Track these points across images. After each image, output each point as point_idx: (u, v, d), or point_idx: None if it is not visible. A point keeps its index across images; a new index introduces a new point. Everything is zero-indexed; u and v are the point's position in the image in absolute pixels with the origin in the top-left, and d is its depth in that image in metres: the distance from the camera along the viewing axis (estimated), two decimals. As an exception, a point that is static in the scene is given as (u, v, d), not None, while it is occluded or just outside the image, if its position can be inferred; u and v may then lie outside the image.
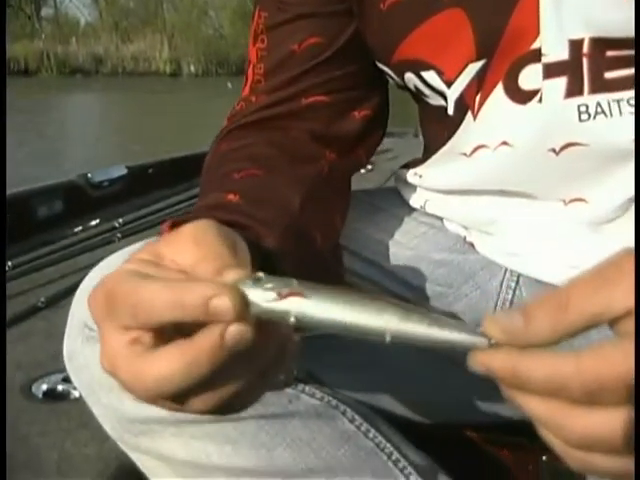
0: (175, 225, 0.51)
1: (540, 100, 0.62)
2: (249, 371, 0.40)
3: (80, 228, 1.45)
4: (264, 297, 0.38)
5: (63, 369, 0.67)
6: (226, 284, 0.37)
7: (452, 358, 0.47)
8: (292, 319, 0.38)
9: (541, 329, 0.34)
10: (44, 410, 0.81)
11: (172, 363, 0.37)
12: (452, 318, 0.37)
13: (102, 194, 1.61)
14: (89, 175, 1.60)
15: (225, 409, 0.42)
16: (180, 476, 0.64)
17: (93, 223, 1.49)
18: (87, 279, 0.65)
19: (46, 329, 1.01)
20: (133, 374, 0.38)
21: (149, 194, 1.67)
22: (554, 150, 0.63)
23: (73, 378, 0.66)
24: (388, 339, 0.37)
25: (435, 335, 0.36)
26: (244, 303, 0.37)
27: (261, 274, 0.38)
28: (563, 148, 0.63)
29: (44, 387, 0.85)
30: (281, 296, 0.37)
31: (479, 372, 0.35)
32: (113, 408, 0.62)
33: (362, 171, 2.27)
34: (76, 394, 0.83)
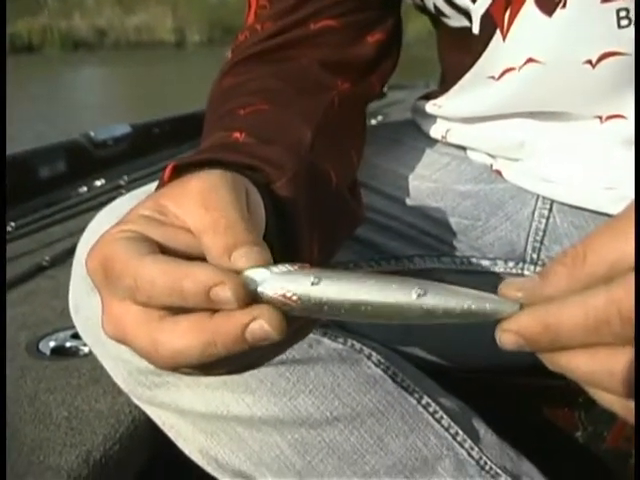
0: (178, 169, 0.46)
1: (564, 5, 0.57)
2: (267, 350, 0.37)
3: (85, 189, 1.42)
4: (273, 277, 0.34)
5: (71, 326, 0.65)
6: (228, 270, 0.34)
7: None
8: (305, 301, 0.34)
9: (559, 282, 0.32)
10: (52, 367, 0.78)
11: (189, 340, 0.34)
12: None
13: (106, 154, 1.57)
14: (92, 134, 1.56)
15: (242, 371, 0.40)
16: (199, 429, 0.62)
17: (98, 184, 1.45)
18: (93, 223, 0.62)
19: (52, 287, 0.98)
20: (151, 341, 0.35)
21: (154, 153, 1.63)
22: (590, 62, 0.59)
23: (80, 331, 0.63)
24: (417, 315, 0.33)
25: (464, 308, 0.33)
26: (247, 294, 0.34)
27: (272, 267, 0.35)
28: (600, 59, 0.58)
29: (52, 344, 0.83)
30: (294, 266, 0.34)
31: (510, 347, 0.32)
32: (123, 360, 0.59)
33: (373, 122, 2.24)
34: (86, 350, 0.80)
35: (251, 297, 0.34)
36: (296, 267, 0.35)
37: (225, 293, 0.33)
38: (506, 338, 0.32)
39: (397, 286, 0.34)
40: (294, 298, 0.34)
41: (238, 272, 0.35)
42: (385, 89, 2.50)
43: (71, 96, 11.34)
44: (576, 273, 0.31)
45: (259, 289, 0.34)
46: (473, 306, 0.33)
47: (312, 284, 0.34)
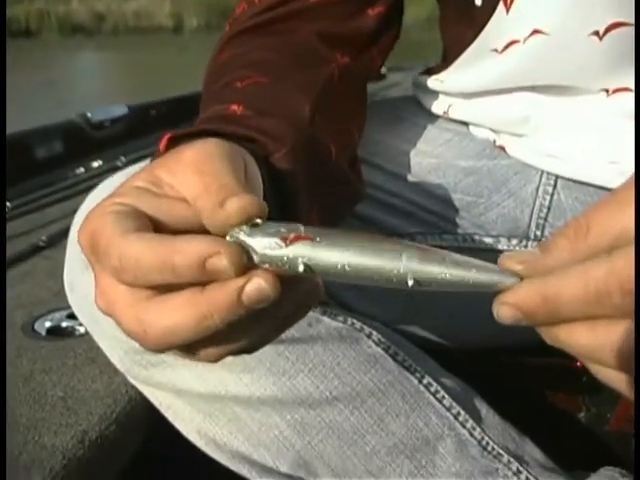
0: (174, 140, 0.45)
1: None
2: (265, 325, 0.36)
3: (82, 170, 1.40)
4: (266, 244, 0.33)
5: (67, 306, 0.63)
6: (221, 240, 0.33)
7: None
8: (300, 266, 0.33)
9: (561, 255, 0.31)
10: (48, 347, 0.77)
11: (181, 316, 0.33)
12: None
13: (103, 135, 1.56)
14: (89, 114, 1.54)
15: (240, 353, 0.38)
16: (196, 410, 0.61)
17: (95, 165, 1.44)
18: (86, 202, 0.60)
19: (48, 268, 0.97)
20: (138, 323, 0.34)
21: (152, 134, 1.61)
22: (597, 33, 0.57)
23: (75, 309, 0.62)
24: (410, 282, 0.32)
25: (461, 276, 0.32)
26: (244, 259, 0.33)
27: (259, 220, 0.34)
28: (608, 30, 0.57)
29: (47, 324, 0.82)
30: (287, 241, 0.33)
31: (508, 321, 0.31)
32: (119, 339, 0.58)
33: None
34: (82, 330, 0.79)
35: (249, 264, 0.33)
36: (291, 237, 0.33)
37: (222, 262, 0.32)
38: (503, 311, 0.31)
39: (390, 256, 0.32)
40: (286, 268, 0.33)
41: (226, 235, 0.34)
42: (384, 71, 2.47)
43: (69, 81, 11.28)
44: (579, 245, 0.30)
45: (255, 260, 0.33)
46: (471, 278, 0.32)
47: (304, 266, 0.33)
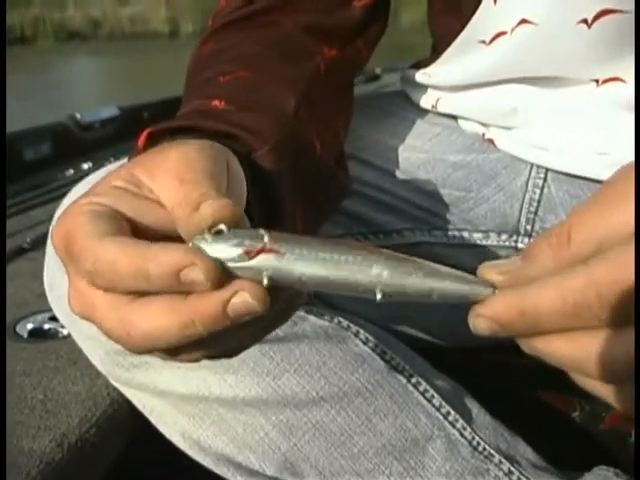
0: (154, 136, 0.44)
1: None
2: (247, 331, 0.35)
3: (72, 172, 1.39)
4: (229, 255, 0.32)
5: (50, 308, 0.62)
6: (197, 251, 0.32)
7: None
8: (265, 280, 0.32)
9: (544, 264, 0.29)
10: (30, 349, 0.76)
11: (163, 321, 0.32)
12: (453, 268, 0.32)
13: (93, 136, 1.54)
14: (78, 116, 1.53)
15: (218, 358, 0.38)
16: (180, 412, 0.60)
17: (85, 167, 1.42)
18: (69, 197, 0.60)
19: (32, 270, 0.96)
20: (122, 325, 0.33)
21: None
22: (585, 21, 0.56)
23: (55, 310, 0.62)
24: (379, 296, 0.31)
25: (433, 287, 0.31)
26: (220, 272, 0.31)
27: (223, 226, 0.33)
28: (596, 18, 0.56)
29: (29, 326, 0.81)
30: (250, 254, 0.32)
31: (484, 332, 0.30)
32: (99, 340, 0.57)
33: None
34: (65, 332, 0.78)
35: (224, 277, 0.32)
36: (255, 250, 0.32)
37: (199, 276, 0.31)
38: (479, 323, 0.30)
39: (358, 268, 0.31)
40: (261, 272, 0.32)
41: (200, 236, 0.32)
42: (378, 72, 2.46)
43: (64, 87, 11.29)
44: (562, 254, 0.29)
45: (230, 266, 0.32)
46: (444, 290, 0.31)
47: (268, 280, 0.32)
